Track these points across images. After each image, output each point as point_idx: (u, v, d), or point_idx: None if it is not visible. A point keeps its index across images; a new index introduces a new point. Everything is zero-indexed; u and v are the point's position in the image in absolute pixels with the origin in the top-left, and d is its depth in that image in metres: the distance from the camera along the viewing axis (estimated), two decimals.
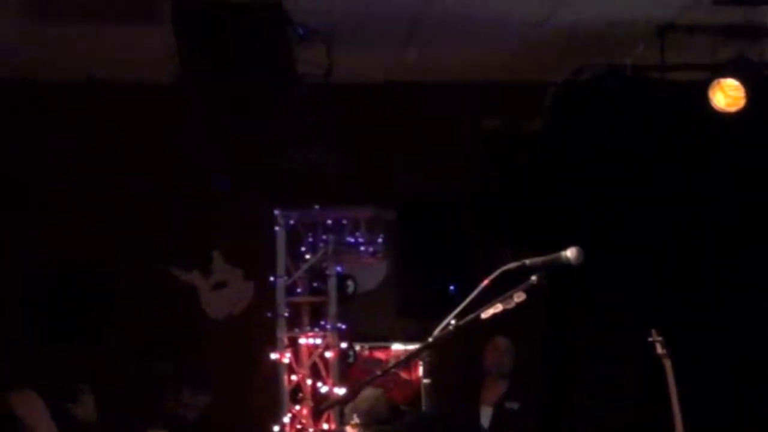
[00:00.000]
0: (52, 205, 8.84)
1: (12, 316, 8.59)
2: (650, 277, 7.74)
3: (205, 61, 6.95)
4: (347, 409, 7.03)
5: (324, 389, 8.45)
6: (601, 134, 7.76)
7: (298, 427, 8.44)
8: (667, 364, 6.03)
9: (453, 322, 4.04)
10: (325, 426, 7.87)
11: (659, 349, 6.02)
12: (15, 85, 8.40)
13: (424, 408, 7.07)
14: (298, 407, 8.51)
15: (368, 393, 7.18)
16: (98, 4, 7.28)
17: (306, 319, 8.83)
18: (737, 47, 7.55)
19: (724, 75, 7.37)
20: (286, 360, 8.64)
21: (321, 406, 8.28)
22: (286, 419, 8.49)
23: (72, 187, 8.87)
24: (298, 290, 8.85)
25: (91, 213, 8.86)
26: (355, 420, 6.63)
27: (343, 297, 8.77)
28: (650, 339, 6.03)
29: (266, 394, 8.66)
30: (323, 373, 8.57)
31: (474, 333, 4.19)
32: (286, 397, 8.59)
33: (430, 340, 4.12)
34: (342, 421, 6.78)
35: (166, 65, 7.05)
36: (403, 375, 8.15)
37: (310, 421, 8.41)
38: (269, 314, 8.76)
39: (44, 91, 8.73)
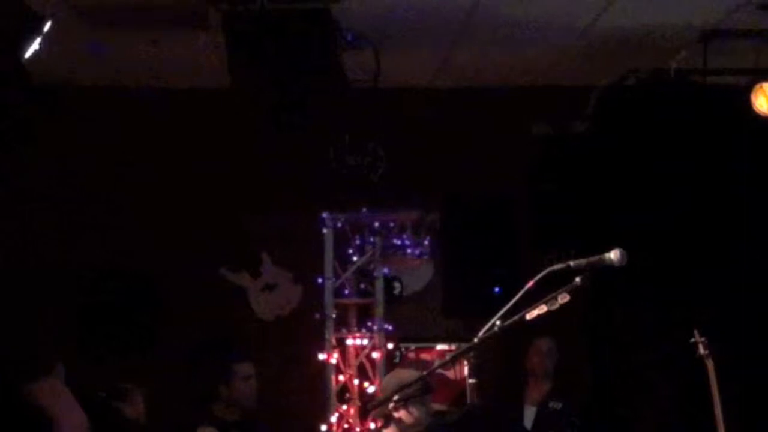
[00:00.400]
0: (113, 211, 8.98)
1: (71, 317, 8.70)
2: (693, 278, 7.71)
3: (255, 68, 6.95)
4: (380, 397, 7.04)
5: (371, 389, 8.50)
6: (645, 137, 7.75)
7: (345, 426, 8.51)
8: (710, 364, 5.96)
9: (498, 323, 4.12)
10: (372, 426, 7.89)
11: (701, 350, 5.95)
12: (72, 90, 8.50)
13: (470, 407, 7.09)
14: (345, 407, 8.57)
15: (392, 374, 7.27)
16: (153, 12, 7.35)
17: (353, 321, 8.88)
18: None
19: (767, 79, 7.42)
20: (333, 360, 8.69)
21: (368, 406, 8.28)
22: (333, 419, 8.55)
23: (130, 193, 9.00)
24: (346, 292, 8.90)
25: (145, 217, 8.98)
26: (398, 398, 6.66)
27: (389, 298, 8.82)
28: (692, 340, 5.97)
29: (314, 394, 8.73)
30: (370, 374, 8.63)
31: (518, 334, 4.27)
32: (333, 397, 8.64)
33: (476, 340, 4.19)
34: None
35: (218, 72, 7.11)
36: (449, 375, 8.17)
37: (357, 421, 8.46)
38: (317, 315, 8.80)
39: (97, 96, 8.84)
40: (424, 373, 7.05)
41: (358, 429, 8.40)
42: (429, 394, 6.82)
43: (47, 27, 6.45)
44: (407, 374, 7.48)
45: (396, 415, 6.65)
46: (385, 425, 6.77)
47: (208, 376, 7.95)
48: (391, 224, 8.89)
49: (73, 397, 1.80)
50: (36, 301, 8.53)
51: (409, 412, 6.61)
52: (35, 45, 6.45)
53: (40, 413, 1.73)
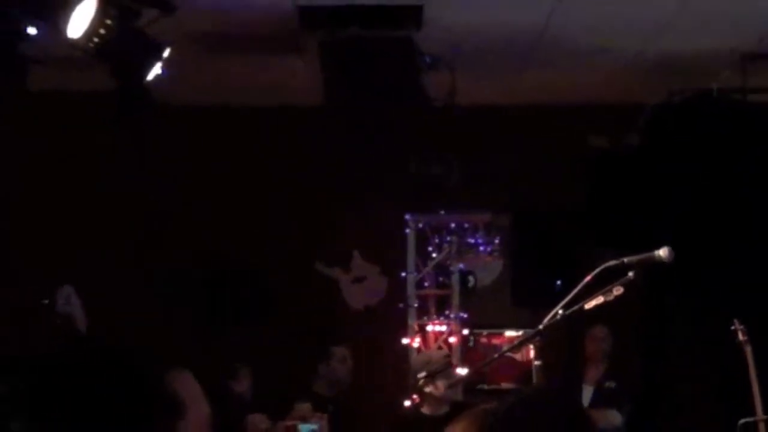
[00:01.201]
0: (228, 218, 9.06)
1: (190, 306, 8.76)
2: (733, 273, 7.64)
3: (347, 88, 7.00)
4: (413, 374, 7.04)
5: None
6: (690, 149, 7.70)
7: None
8: (748, 350, 5.89)
9: (560, 312, 4.13)
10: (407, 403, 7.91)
11: (740, 337, 5.89)
12: (182, 110, 8.53)
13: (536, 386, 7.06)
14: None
15: (419, 354, 7.28)
16: (255, 39, 7.40)
17: (432, 309, 8.89)
18: None
19: None
20: (415, 344, 8.72)
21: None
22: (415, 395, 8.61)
23: (242, 201, 9.07)
24: (426, 284, 8.93)
25: (255, 223, 9.04)
26: (422, 375, 6.68)
27: (464, 290, 8.84)
28: (732, 327, 5.91)
29: (398, 373, 8.62)
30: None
31: (577, 322, 4.28)
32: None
33: (540, 327, 4.20)
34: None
35: (312, 92, 7.20)
36: (516, 357, 8.17)
37: None
38: (401, 305, 8.87)
39: (206, 114, 8.88)
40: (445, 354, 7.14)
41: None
42: (451, 368, 6.83)
43: (166, 53, 6.57)
44: (433, 354, 7.51)
45: (426, 390, 6.68)
46: (422, 400, 6.81)
47: (310, 358, 8.03)
48: (466, 225, 8.90)
49: (200, 389, 1.83)
50: (171, 298, 8.63)
51: (435, 386, 6.64)
52: (156, 69, 6.56)
53: (173, 400, 1.75)
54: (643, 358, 8.81)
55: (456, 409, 6.07)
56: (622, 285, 4.03)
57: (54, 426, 1.81)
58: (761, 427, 5.71)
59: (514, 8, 6.95)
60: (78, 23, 5.74)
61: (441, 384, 6.58)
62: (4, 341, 5.88)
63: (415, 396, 8.35)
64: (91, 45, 5.97)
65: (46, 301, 7.25)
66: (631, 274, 4.01)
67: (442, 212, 8.90)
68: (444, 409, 6.60)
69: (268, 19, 7.00)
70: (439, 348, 8.27)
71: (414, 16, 6.79)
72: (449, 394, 6.87)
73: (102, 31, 5.95)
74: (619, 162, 8.23)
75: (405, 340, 8.75)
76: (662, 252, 4.02)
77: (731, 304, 6.95)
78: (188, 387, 1.86)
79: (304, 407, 6.16)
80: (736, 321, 5.91)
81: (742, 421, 5.77)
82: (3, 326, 5.17)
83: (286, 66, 7.75)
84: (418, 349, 8.69)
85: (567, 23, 7.16)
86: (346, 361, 8.03)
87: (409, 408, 7.98)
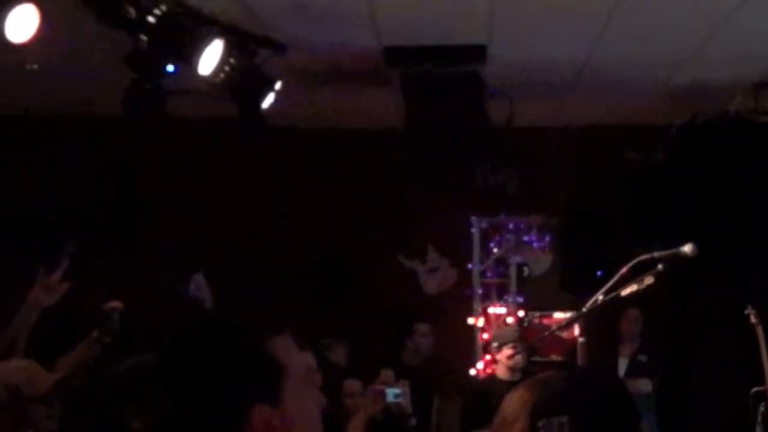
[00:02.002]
0: (327, 215, 9.15)
1: (296, 291, 8.80)
2: (748, 265, 7.55)
3: (424, 114, 7.07)
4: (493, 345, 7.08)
5: None
6: (711, 163, 7.62)
7: (488, 371, 8.46)
8: (759, 330, 5.82)
9: (600, 297, 4.13)
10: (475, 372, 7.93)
11: (753, 319, 5.82)
12: (290, 132, 8.60)
13: (579, 359, 7.03)
14: (488, 357, 8.53)
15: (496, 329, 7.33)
16: (349, 73, 7.47)
17: (494, 295, 8.90)
18: None
19: None
20: (480, 324, 8.75)
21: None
22: (479, 365, 8.60)
23: (336, 205, 9.14)
24: (489, 274, 8.93)
25: (348, 220, 9.10)
26: (495, 345, 6.72)
27: (520, 279, 8.84)
28: (746, 312, 5.83)
29: (466, 347, 8.79)
30: None
31: (615, 305, 4.26)
32: (479, 350, 8.70)
33: (584, 310, 4.21)
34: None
35: (393, 117, 7.26)
36: (564, 335, 8.11)
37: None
38: (468, 291, 8.92)
39: (309, 135, 8.95)
40: (517, 328, 7.16)
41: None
42: (518, 341, 6.87)
43: (278, 86, 6.64)
44: (506, 329, 7.53)
45: (497, 356, 6.72)
46: (497, 367, 6.85)
47: (398, 333, 8.10)
48: (522, 226, 8.92)
49: (298, 349, 1.85)
50: (281, 285, 8.71)
51: (503, 353, 6.67)
52: (270, 98, 6.64)
53: (276, 362, 1.77)
54: (669, 336, 8.73)
55: (526, 376, 6.08)
56: (653, 275, 4.05)
57: (183, 386, 1.80)
58: None
59: (560, 45, 6.95)
60: (207, 62, 5.86)
61: (508, 351, 6.66)
62: (150, 319, 6.01)
63: (484, 364, 8.40)
64: (218, 79, 6.08)
65: (182, 287, 7.38)
66: (660, 266, 4.02)
67: (502, 215, 8.90)
68: (517, 376, 6.62)
69: (359, 58, 7.08)
70: (505, 325, 8.26)
71: (479, 54, 6.82)
72: (518, 361, 6.89)
73: (227, 68, 6.06)
74: (650, 173, 8.17)
75: (470, 320, 8.79)
76: (687, 248, 4.03)
77: (745, 292, 6.88)
78: (286, 347, 1.87)
79: (389, 374, 6.19)
80: (749, 306, 5.84)
81: (754, 389, 5.70)
82: (149, 306, 5.27)
83: (374, 96, 7.82)
84: (482, 329, 8.69)
85: (605, 57, 7.15)
86: (428, 336, 8.10)
87: (486, 374, 8.03)
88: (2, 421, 3.67)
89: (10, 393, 3.73)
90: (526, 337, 7.35)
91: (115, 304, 4.94)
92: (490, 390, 6.57)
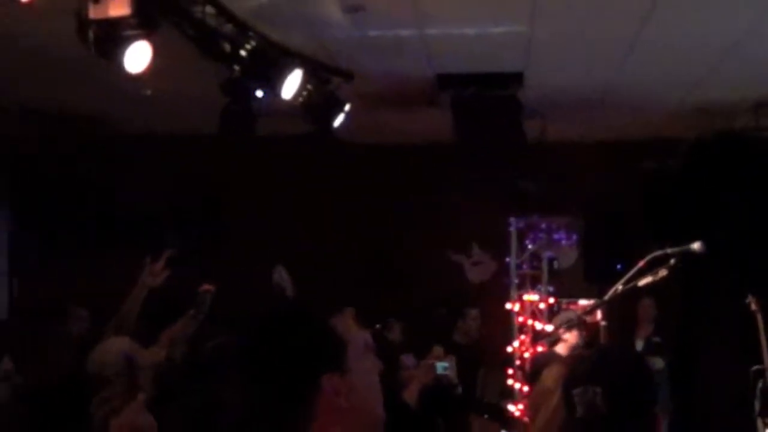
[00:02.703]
0: (386, 216, 9.12)
1: (360, 281, 8.81)
2: (748, 260, 7.40)
3: (470, 131, 7.06)
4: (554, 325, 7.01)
5: (538, 326, 8.46)
6: (718, 171, 7.52)
7: (523, 348, 8.51)
8: (758, 317, 5.68)
9: (620, 287, 4.08)
10: (540, 348, 7.85)
11: (753, 307, 5.68)
12: (357, 147, 8.55)
13: (601, 340, 6.97)
14: (523, 337, 8.57)
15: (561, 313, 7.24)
16: (403, 95, 7.44)
17: (528, 284, 8.84)
18: None
19: None
20: (516, 309, 8.71)
21: (536, 337, 8.23)
22: (516, 344, 8.58)
23: (395, 205, 9.11)
24: (524, 266, 8.87)
25: (405, 219, 9.11)
26: (564, 326, 6.61)
27: (551, 271, 8.77)
28: (747, 300, 5.70)
29: (504, 329, 8.72)
30: (538, 317, 8.58)
31: (632, 294, 4.20)
32: (515, 331, 8.65)
33: (605, 298, 4.16)
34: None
35: (446, 133, 7.22)
36: (588, 319, 8.06)
37: (529, 345, 8.44)
38: (506, 281, 8.88)
39: (372, 149, 8.91)
40: (579, 314, 7.04)
41: (530, 350, 8.33)
42: (581, 326, 6.78)
43: (347, 107, 6.67)
44: (570, 314, 7.45)
45: (564, 336, 6.64)
46: (554, 345, 6.76)
47: (450, 315, 8.09)
48: (552, 225, 8.88)
49: (358, 327, 1.85)
50: (348, 276, 8.73)
51: (571, 333, 6.60)
52: (341, 118, 6.67)
53: (339, 339, 1.78)
54: (679, 321, 8.60)
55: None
56: (666, 269, 3.97)
57: (266, 360, 1.81)
58: (767, 372, 5.52)
59: (586, 72, 6.94)
60: (289, 88, 5.91)
61: (574, 334, 6.61)
62: (240, 304, 6.07)
63: (519, 342, 8.32)
64: (297, 102, 6.14)
65: (268, 277, 7.44)
66: (672, 261, 3.95)
67: (536, 216, 8.86)
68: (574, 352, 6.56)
69: (415, 83, 7.11)
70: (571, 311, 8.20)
71: (517, 80, 6.83)
72: (578, 340, 6.79)
73: (305, 92, 6.12)
74: (664, 180, 8.07)
75: (508, 306, 8.75)
76: (696, 245, 3.97)
77: (746, 283, 6.75)
78: (347, 324, 1.89)
79: (439, 350, 6.19)
80: (749, 295, 5.73)
81: (754, 367, 5.60)
82: (238, 293, 5.33)
83: (427, 116, 7.81)
84: (518, 313, 8.63)
85: (626, 81, 7.12)
86: (477, 320, 8.09)
87: (546, 350, 7.97)
88: (121, 383, 3.77)
89: (128, 361, 3.84)
90: (583, 321, 7.28)
91: (208, 287, 5.03)
92: (552, 362, 6.56)
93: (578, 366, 2.14)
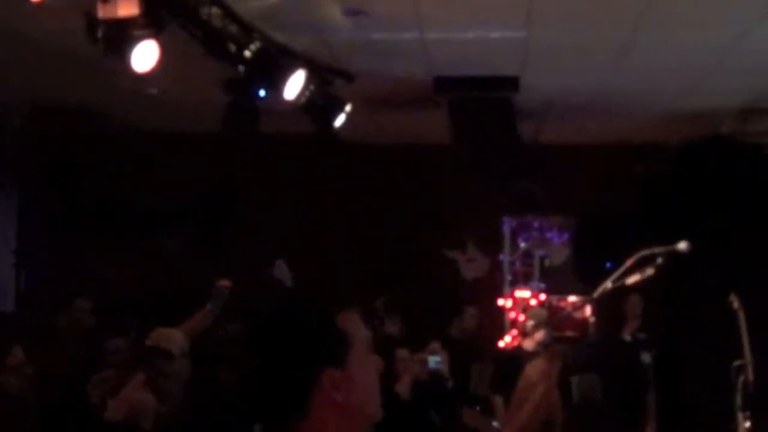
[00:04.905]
0: (384, 214, 9.05)
1: (358, 276, 8.80)
2: (731, 259, 7.42)
3: (466, 132, 7.07)
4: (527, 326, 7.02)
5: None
6: (706, 174, 7.54)
7: (515, 343, 8.49)
8: (740, 314, 5.67)
9: (608, 284, 4.09)
10: (507, 339, 7.88)
11: (735, 305, 5.67)
12: (357, 146, 8.49)
13: (590, 335, 6.98)
14: (514, 331, 8.54)
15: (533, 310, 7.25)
16: (405, 98, 7.43)
17: (520, 281, 8.88)
18: None
19: None
20: (508, 304, 8.74)
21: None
22: (507, 338, 8.57)
23: (392, 204, 9.04)
24: (516, 264, 8.92)
25: (402, 219, 9.05)
26: (531, 324, 6.63)
27: (542, 269, 8.82)
28: (729, 298, 5.69)
29: (496, 323, 8.76)
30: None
31: (620, 291, 4.22)
32: (507, 325, 8.69)
33: (594, 295, 4.17)
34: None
35: (443, 134, 7.24)
36: (577, 315, 8.07)
37: (520, 339, 8.41)
38: (499, 278, 8.90)
39: (371, 149, 8.83)
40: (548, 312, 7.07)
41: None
42: (549, 324, 6.79)
43: (347, 108, 6.67)
44: (540, 310, 7.46)
45: (532, 333, 6.65)
46: (524, 338, 6.79)
47: (447, 311, 8.08)
48: (545, 225, 8.89)
49: (362, 323, 1.83)
50: (345, 271, 8.71)
51: (539, 331, 6.61)
52: (341, 118, 6.66)
53: (343, 335, 1.75)
54: (665, 317, 8.60)
55: (544, 349, 6.08)
56: (653, 267, 3.97)
57: (267, 351, 1.81)
58: (748, 367, 5.54)
59: (580, 77, 6.92)
60: (292, 88, 5.91)
61: (541, 333, 6.62)
62: (241, 297, 6.07)
63: (511, 337, 8.35)
64: (300, 102, 6.13)
65: (267, 270, 7.44)
66: (659, 260, 3.95)
67: (529, 216, 8.90)
68: (539, 349, 6.58)
69: (414, 85, 7.07)
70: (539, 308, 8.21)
71: (513, 84, 6.79)
72: (546, 338, 6.82)
73: (307, 93, 6.10)
74: (652, 183, 8.07)
75: (501, 302, 8.77)
76: (681, 245, 3.97)
77: (729, 281, 6.75)
78: (352, 322, 1.88)
79: (435, 345, 6.19)
80: (732, 293, 5.73)
81: (735, 362, 5.60)
82: (240, 286, 5.33)
83: (425, 117, 7.80)
84: (510, 308, 8.65)
85: (618, 86, 7.11)
86: (474, 317, 8.09)
87: (511, 345, 7.97)
88: (185, 365, 3.81)
89: (190, 344, 3.91)
90: (550, 317, 7.30)
91: (225, 282, 5.01)
92: (517, 359, 6.55)
93: (575, 355, 2.17)
